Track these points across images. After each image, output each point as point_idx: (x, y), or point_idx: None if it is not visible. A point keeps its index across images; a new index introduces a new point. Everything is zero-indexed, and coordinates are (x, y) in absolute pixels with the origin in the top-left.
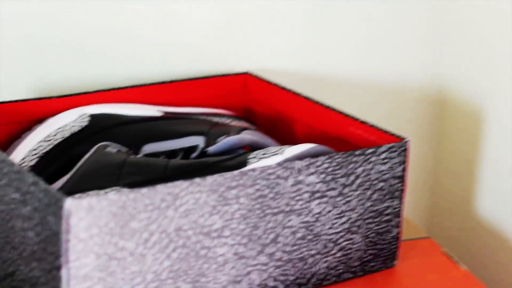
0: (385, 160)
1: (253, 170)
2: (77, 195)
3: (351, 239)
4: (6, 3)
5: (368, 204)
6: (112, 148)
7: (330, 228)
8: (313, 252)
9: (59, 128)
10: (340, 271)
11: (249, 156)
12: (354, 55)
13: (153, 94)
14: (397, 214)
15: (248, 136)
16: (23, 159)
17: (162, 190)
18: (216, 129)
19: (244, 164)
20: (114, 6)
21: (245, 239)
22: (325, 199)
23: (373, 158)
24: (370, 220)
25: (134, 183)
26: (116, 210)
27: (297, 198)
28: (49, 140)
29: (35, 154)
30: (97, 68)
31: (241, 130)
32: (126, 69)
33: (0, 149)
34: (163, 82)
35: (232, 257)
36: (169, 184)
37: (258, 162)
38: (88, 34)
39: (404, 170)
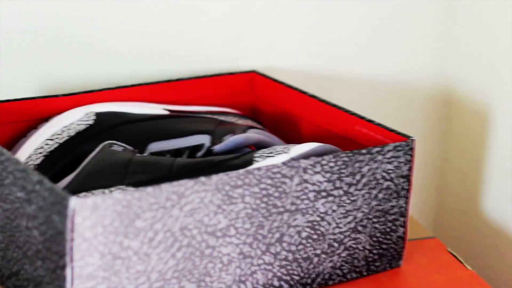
0: (391, 159)
1: (259, 169)
2: (82, 194)
3: (356, 238)
4: (12, 1)
5: (374, 203)
6: (118, 146)
7: (335, 227)
8: (318, 251)
9: (64, 127)
10: (345, 270)
11: (255, 155)
12: (360, 54)
13: (159, 92)
14: (403, 214)
15: (254, 134)
16: (29, 157)
17: (167, 189)
18: (222, 128)
19: (250, 163)
20: (120, 4)
21: (250, 238)
22: (330, 198)
23: (379, 157)
24: (375, 220)
25: (140, 182)
26: (121, 209)
27: (303, 197)
28: (55, 139)
29: (41, 152)
30: (103, 66)
31: (247, 128)
32: (132, 67)
33: (5, 148)
34: (169, 81)
35: (237, 256)
36: (174, 183)
37: (263, 161)
38: (94, 32)
39: (410, 169)
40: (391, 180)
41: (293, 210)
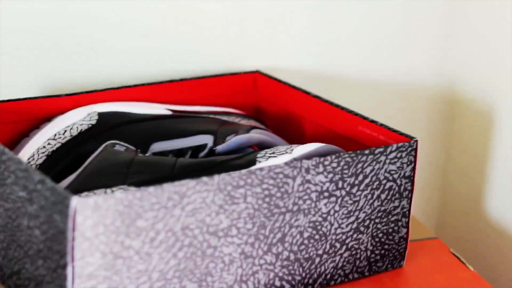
0: (394, 160)
1: (261, 169)
2: (84, 194)
3: (358, 239)
4: (13, 0)
5: (376, 204)
6: (120, 146)
7: (337, 228)
8: (320, 252)
9: (67, 127)
10: (347, 271)
11: (258, 155)
12: (362, 54)
13: (162, 92)
14: (405, 214)
15: (257, 135)
16: (31, 157)
17: (169, 189)
18: (225, 128)
19: (252, 163)
20: (122, 4)
21: (252, 238)
22: (333, 199)
23: (381, 158)
24: (378, 220)
25: (142, 182)
26: (123, 209)
27: (305, 197)
28: (57, 139)
29: (43, 152)
30: (105, 66)
31: (250, 129)
32: (135, 67)
33: (7, 148)
34: (172, 81)
35: (238, 256)
36: (176, 183)
37: (266, 161)
38: (95, 32)
39: (413, 170)
40: (393, 180)
41: (295, 210)
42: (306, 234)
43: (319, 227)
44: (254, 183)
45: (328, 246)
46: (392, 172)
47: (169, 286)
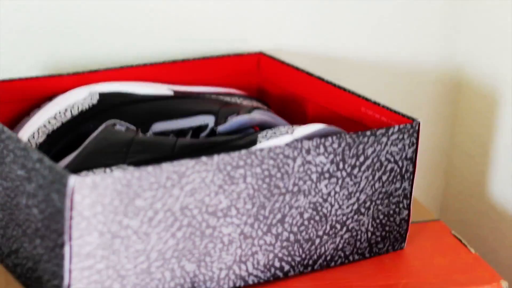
0: (396, 141)
1: (261, 149)
2: (83, 173)
3: (359, 220)
4: None
5: (378, 185)
6: (121, 126)
7: (338, 209)
8: (320, 233)
9: (68, 106)
10: (348, 252)
11: (259, 136)
12: (368, 36)
13: (165, 72)
14: (407, 196)
15: (259, 115)
16: (32, 136)
17: (167, 168)
18: (227, 109)
19: (253, 143)
20: None
21: (251, 219)
22: (333, 180)
23: (383, 139)
24: (379, 202)
25: (141, 162)
26: (121, 188)
27: (305, 178)
28: (58, 118)
29: (43, 131)
30: (107, 46)
31: (251, 109)
32: (137, 47)
33: (9, 126)
34: (175, 61)
35: (237, 237)
36: (175, 163)
37: (267, 142)
38: (99, 11)
39: (414, 151)
40: (395, 162)
41: (295, 191)
42: (306, 215)
43: (319, 208)
44: (254, 163)
45: (328, 227)
46: (394, 153)
47: (167, 266)
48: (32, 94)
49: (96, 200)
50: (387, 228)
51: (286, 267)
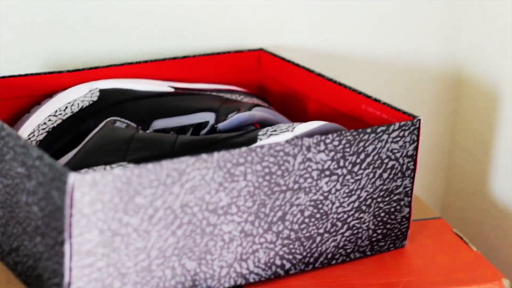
0: (397, 139)
1: (261, 147)
2: (83, 170)
3: (360, 218)
4: None
5: (378, 183)
6: (121, 123)
7: (339, 206)
8: (321, 230)
9: (68, 103)
10: (349, 250)
11: (259, 133)
12: (369, 33)
13: (165, 69)
14: (408, 194)
15: (259, 112)
16: (32, 133)
17: (168, 165)
18: (227, 106)
19: (253, 140)
20: None
21: (252, 216)
22: (334, 177)
23: (384, 136)
24: (380, 199)
25: (142, 159)
26: (121, 186)
27: (306, 175)
28: (58, 115)
29: (44, 128)
30: (108, 43)
31: (252, 106)
32: (138, 44)
33: (9, 123)
34: (175, 58)
35: (238, 234)
36: (175, 160)
37: (267, 139)
38: (99, 8)
39: (415, 149)
40: (396, 159)
41: (296, 188)
42: (307, 213)
43: (320, 206)
44: (254, 160)
45: (329, 225)
46: (395, 151)
47: (168, 264)
48: (32, 91)
49: (96, 197)
50: (388, 226)
51: (287, 265)
